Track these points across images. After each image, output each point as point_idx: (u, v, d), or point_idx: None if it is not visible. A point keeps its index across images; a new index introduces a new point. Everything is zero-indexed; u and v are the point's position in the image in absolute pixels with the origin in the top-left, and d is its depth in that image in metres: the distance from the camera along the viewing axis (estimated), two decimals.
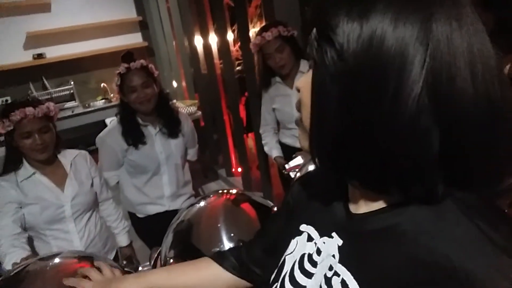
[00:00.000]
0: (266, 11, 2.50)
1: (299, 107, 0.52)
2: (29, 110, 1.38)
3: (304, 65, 2.01)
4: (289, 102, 2.05)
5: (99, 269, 0.84)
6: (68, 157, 1.59)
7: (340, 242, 0.51)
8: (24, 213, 1.45)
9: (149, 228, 1.87)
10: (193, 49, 4.05)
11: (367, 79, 0.41)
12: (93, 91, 4.29)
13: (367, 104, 0.41)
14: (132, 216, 1.96)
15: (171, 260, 1.05)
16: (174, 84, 4.54)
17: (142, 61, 1.73)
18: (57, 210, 1.49)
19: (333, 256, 0.51)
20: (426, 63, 0.40)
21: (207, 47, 3.78)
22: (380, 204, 0.48)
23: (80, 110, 4.02)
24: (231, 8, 3.88)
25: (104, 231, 1.68)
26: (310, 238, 0.57)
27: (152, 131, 1.82)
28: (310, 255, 0.55)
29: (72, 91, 4.07)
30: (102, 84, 4.27)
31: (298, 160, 1.78)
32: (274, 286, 0.60)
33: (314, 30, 0.46)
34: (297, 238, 0.60)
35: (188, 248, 1.06)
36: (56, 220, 1.49)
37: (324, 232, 0.55)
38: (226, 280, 0.77)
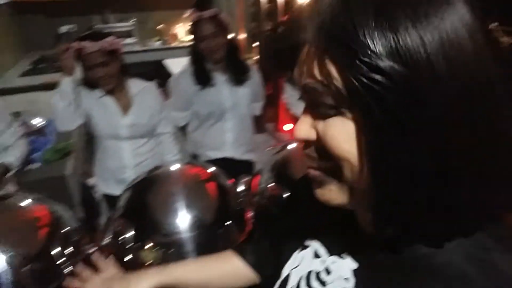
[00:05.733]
0: None
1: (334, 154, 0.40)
2: (87, 44, 1.53)
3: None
4: None
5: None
6: (135, 87, 1.73)
7: (355, 265, 0.47)
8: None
9: None
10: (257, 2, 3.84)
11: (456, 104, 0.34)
12: (151, 32, 4.33)
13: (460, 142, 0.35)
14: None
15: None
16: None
17: (215, 9, 1.72)
18: (115, 130, 1.68)
19: (346, 279, 0.47)
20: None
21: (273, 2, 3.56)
22: None
23: (137, 48, 4.09)
24: None
25: (157, 159, 1.80)
26: (316, 255, 0.53)
27: (220, 78, 1.84)
28: (318, 274, 0.51)
29: (132, 28, 4.14)
30: (160, 25, 4.29)
31: None
32: None
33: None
34: (302, 252, 0.55)
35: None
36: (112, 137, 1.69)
37: (333, 251, 0.51)
38: (247, 274, 0.74)
